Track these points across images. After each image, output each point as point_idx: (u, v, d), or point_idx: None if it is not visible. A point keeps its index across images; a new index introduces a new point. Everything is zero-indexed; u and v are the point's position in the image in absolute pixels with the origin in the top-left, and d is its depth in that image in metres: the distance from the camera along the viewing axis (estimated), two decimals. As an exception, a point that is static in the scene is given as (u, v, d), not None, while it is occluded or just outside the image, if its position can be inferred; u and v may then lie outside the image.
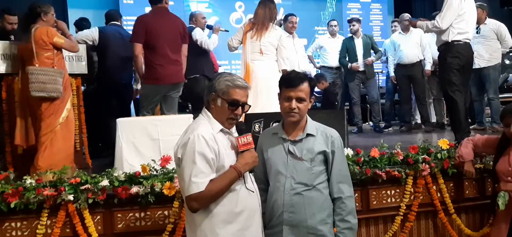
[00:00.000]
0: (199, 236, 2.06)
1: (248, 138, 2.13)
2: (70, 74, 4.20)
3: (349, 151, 3.35)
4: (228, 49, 4.93)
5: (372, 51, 6.55)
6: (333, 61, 6.77)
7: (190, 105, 6.69)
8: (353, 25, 6.52)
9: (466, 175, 3.35)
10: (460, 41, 4.26)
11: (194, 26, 5.67)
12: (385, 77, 7.59)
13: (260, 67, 4.55)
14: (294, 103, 2.23)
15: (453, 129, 4.53)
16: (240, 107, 2.12)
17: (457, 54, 4.25)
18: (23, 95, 3.81)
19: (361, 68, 6.38)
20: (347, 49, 6.49)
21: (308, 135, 2.31)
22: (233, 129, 2.21)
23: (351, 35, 6.64)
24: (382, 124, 6.70)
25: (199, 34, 5.37)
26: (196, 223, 2.06)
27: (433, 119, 6.55)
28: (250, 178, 2.20)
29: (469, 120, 6.74)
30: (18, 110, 3.88)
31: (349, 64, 6.37)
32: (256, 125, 3.68)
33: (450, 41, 4.27)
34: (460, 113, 4.27)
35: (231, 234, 2.05)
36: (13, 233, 2.90)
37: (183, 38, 4.39)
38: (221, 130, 2.11)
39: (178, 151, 2.05)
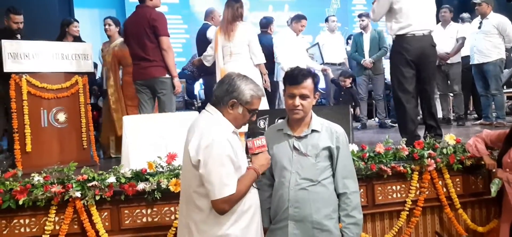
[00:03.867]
0: (208, 234, 2.04)
1: (263, 140, 2.15)
2: (76, 73, 4.27)
3: (354, 147, 3.35)
4: (204, 62, 4.78)
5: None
6: (334, 57, 6.70)
7: (195, 102, 6.73)
8: (363, 20, 6.49)
9: (488, 168, 3.33)
10: (405, 34, 3.91)
11: (210, 23, 5.64)
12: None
13: (232, 69, 4.25)
14: (297, 100, 2.23)
15: (399, 128, 4.16)
16: None
17: (401, 48, 3.92)
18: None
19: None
20: (356, 44, 6.47)
21: (313, 131, 2.31)
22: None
23: (360, 30, 6.61)
24: (388, 120, 6.68)
25: (212, 33, 5.35)
26: (207, 223, 2.03)
27: (440, 114, 6.51)
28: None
29: (475, 115, 6.75)
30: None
31: (363, 60, 6.34)
32: (261, 121, 3.69)
33: (394, 36, 4.01)
34: (405, 114, 3.93)
35: (239, 230, 2.05)
36: (22, 230, 2.94)
37: (152, 32, 4.11)
38: (233, 131, 2.11)
39: (199, 153, 1.97)
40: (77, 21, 5.38)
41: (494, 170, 3.26)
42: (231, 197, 1.95)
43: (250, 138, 2.14)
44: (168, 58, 4.13)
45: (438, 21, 5.96)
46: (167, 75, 4.17)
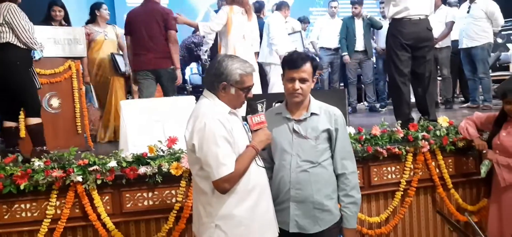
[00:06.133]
0: (214, 215, 2.07)
1: (261, 117, 2.18)
2: (69, 57, 4.24)
3: (351, 130, 3.41)
4: (203, 30, 4.72)
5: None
6: (331, 42, 6.75)
7: (187, 87, 6.71)
8: (355, 8, 6.48)
9: (478, 148, 3.40)
10: (401, 18, 3.92)
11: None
12: (375, 57, 7.57)
13: (243, 52, 4.45)
14: (297, 84, 2.26)
15: (394, 111, 4.20)
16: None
17: (396, 32, 3.94)
18: None
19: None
20: (347, 29, 6.48)
21: (312, 114, 2.35)
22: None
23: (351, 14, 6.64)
24: (377, 104, 6.77)
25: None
26: (211, 204, 2.07)
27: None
28: (258, 154, 2.23)
29: (462, 98, 6.87)
30: None
31: (345, 54, 6.41)
32: (259, 105, 3.71)
33: (390, 19, 4.03)
34: (401, 97, 3.96)
35: (244, 210, 2.08)
36: (23, 214, 2.94)
37: (163, 25, 4.31)
38: (229, 112, 2.12)
39: (193, 137, 2.02)
40: (59, 5, 5.15)
41: (484, 151, 3.35)
42: (230, 175, 1.98)
43: (250, 115, 2.17)
44: (175, 51, 4.36)
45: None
46: (172, 66, 4.39)
